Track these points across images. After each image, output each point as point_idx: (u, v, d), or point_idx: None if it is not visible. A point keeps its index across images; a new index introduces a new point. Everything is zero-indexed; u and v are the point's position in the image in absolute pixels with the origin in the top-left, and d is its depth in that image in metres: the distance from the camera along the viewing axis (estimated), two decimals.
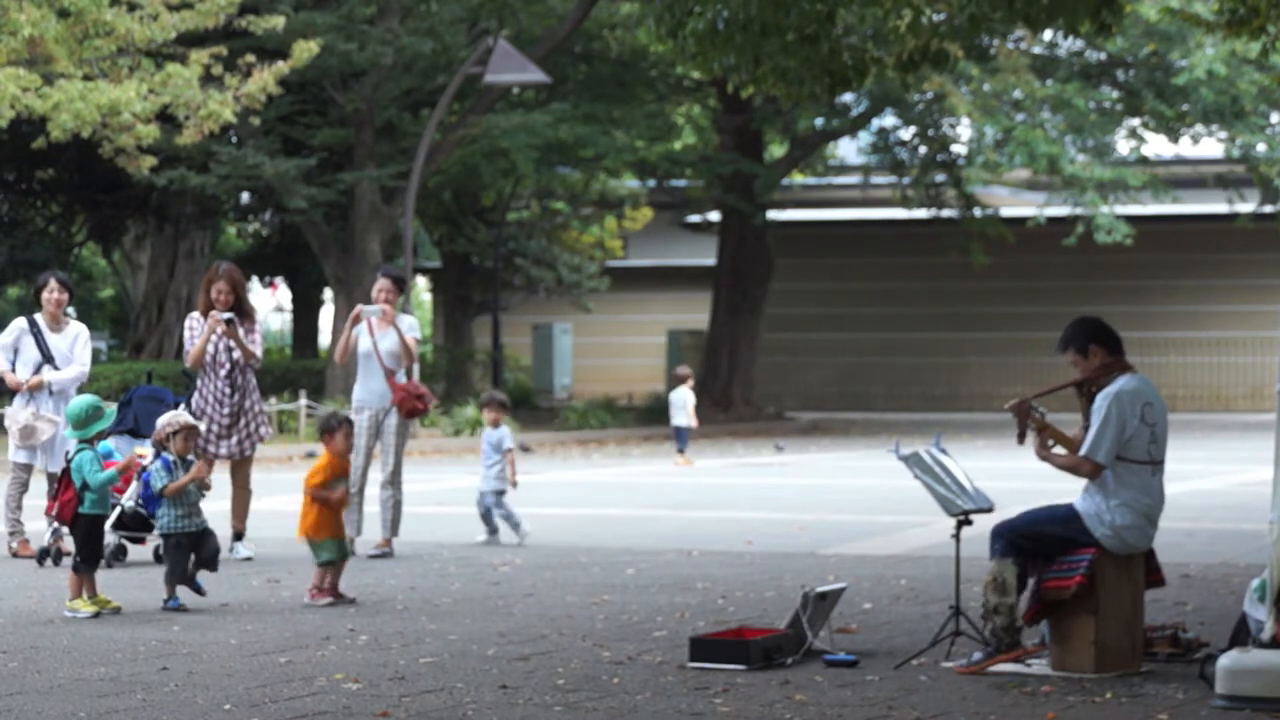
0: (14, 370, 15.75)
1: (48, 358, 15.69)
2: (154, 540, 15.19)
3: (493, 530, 16.92)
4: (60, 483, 12.38)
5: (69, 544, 13.73)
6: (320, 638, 11.05)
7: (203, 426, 15.22)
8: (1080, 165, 41.05)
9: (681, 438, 29.99)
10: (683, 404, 30.16)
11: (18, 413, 15.67)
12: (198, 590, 12.33)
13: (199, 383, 15.37)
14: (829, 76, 12.94)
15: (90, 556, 12.26)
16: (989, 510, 10.38)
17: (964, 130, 44.23)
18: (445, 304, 50.83)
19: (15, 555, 15.35)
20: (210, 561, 12.49)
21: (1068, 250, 44.65)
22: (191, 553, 12.41)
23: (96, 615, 11.92)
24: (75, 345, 15.82)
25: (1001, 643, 9.89)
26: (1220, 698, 8.94)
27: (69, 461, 12.38)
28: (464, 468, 28.78)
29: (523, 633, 11.27)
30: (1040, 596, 9.96)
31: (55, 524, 14.38)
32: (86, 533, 12.34)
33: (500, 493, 16.89)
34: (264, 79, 26.43)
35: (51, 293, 15.76)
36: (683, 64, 15.08)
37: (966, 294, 53.70)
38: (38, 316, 15.89)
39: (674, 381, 31.12)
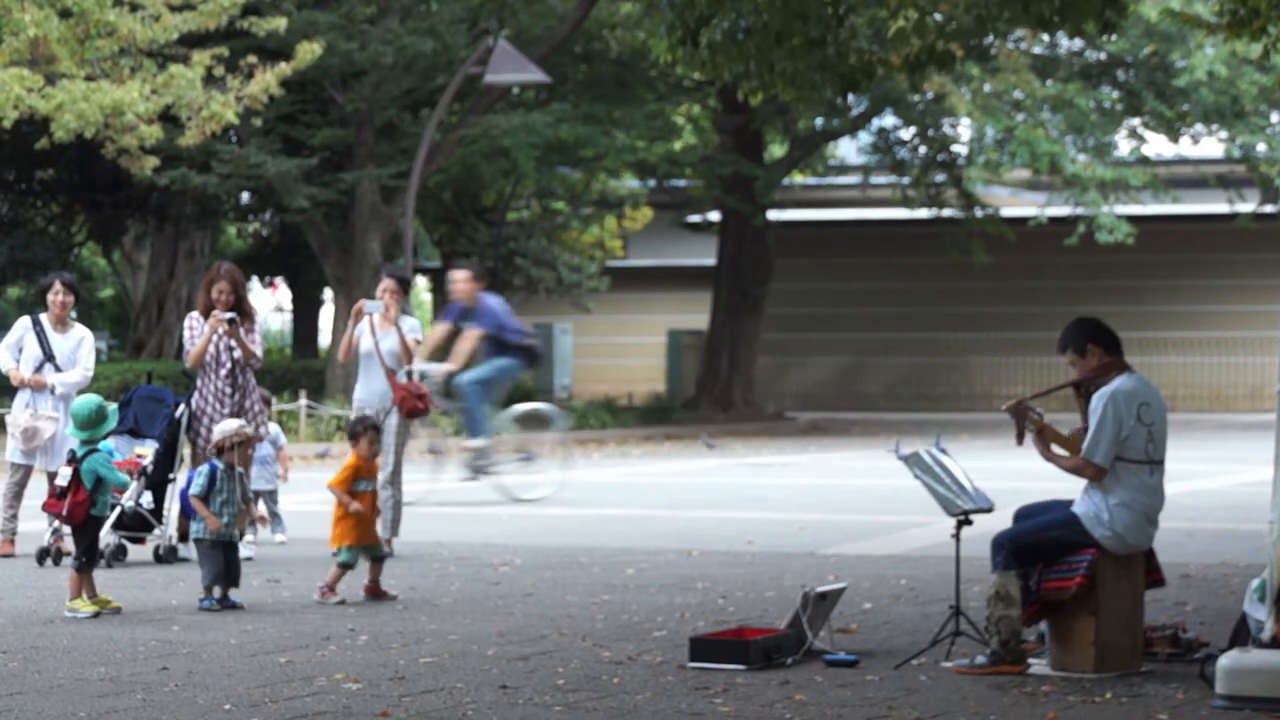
0: (12, 355, 15.79)
1: (49, 357, 15.70)
2: (154, 540, 15.22)
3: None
4: (70, 483, 12.34)
5: (69, 544, 13.74)
6: (320, 638, 11.05)
7: (202, 426, 15.24)
8: (1081, 165, 41.06)
9: None
10: None
11: (19, 415, 15.67)
12: (232, 606, 12.32)
13: (199, 382, 15.37)
14: (840, 79, 12.98)
15: (94, 557, 12.30)
16: (989, 510, 10.38)
17: (964, 130, 44.25)
18: (445, 304, 50.79)
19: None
20: (234, 578, 12.51)
21: (1068, 250, 44.66)
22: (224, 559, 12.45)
23: (96, 615, 11.93)
24: (79, 348, 15.83)
25: (1007, 655, 9.88)
26: (1220, 698, 8.95)
27: (78, 462, 12.36)
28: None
29: (523, 633, 11.27)
30: (1040, 597, 9.96)
31: (56, 523, 14.36)
32: (94, 535, 12.37)
33: (273, 491, 16.88)
34: (266, 80, 26.44)
35: (57, 294, 15.78)
36: (693, 72, 15.08)
37: (966, 294, 53.70)
38: (42, 316, 15.91)
39: None
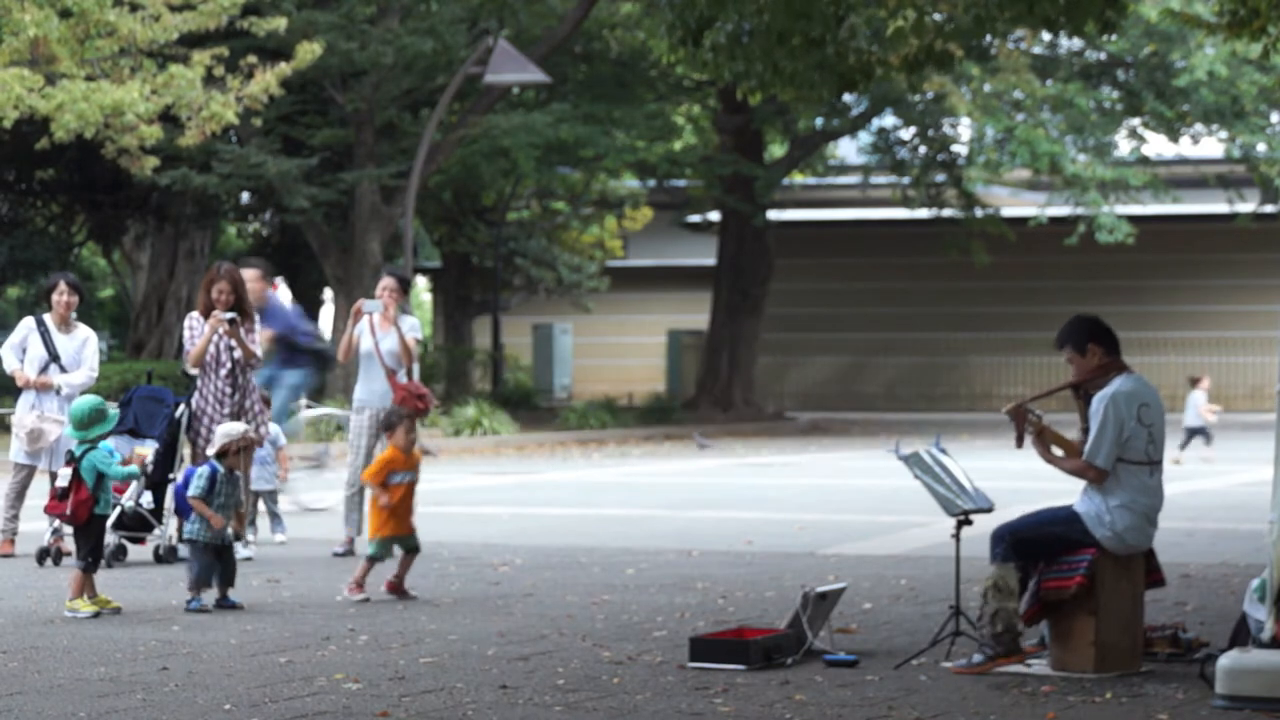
0: (15, 355, 15.76)
1: (54, 357, 15.67)
2: (154, 540, 15.21)
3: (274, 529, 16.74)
4: (71, 483, 12.33)
5: (69, 544, 13.72)
6: (320, 638, 11.05)
7: (203, 426, 15.24)
8: (1081, 165, 41.08)
9: (1201, 435, 30.14)
10: (1193, 404, 30.46)
11: (24, 416, 15.61)
12: (232, 606, 12.30)
13: (199, 382, 15.36)
14: (839, 79, 12.98)
15: (99, 558, 12.28)
16: (989, 510, 10.38)
17: (964, 130, 44.27)
18: (445, 304, 50.85)
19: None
20: (230, 578, 12.49)
21: (1068, 250, 44.68)
22: (217, 562, 12.42)
23: (96, 615, 11.92)
24: (84, 349, 15.80)
25: (1002, 647, 9.89)
26: (1220, 698, 8.95)
27: (77, 461, 12.35)
28: (464, 468, 28.79)
29: (523, 633, 11.27)
30: (1040, 597, 9.96)
31: (57, 523, 14.35)
32: (98, 535, 12.35)
33: (273, 491, 16.83)
34: (267, 80, 26.45)
35: (61, 295, 15.75)
36: (694, 72, 15.11)
37: (966, 294, 53.71)
38: (46, 316, 15.87)
39: (1190, 384, 31.46)
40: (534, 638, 11.06)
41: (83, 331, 15.91)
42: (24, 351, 15.77)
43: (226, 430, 12.86)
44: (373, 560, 12.98)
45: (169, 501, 15.20)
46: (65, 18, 25.25)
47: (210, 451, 12.97)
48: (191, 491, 12.54)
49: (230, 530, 12.63)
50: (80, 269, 50.02)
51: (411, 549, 13.10)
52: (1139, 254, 47.66)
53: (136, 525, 15.06)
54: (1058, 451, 10.15)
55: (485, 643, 10.85)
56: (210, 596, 12.36)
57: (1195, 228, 52.77)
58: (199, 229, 42.28)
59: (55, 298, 15.77)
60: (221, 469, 12.56)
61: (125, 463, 14.92)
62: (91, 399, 12.71)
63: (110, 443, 14.56)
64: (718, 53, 12.58)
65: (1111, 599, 9.88)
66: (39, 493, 16.13)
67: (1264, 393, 50.48)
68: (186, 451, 15.52)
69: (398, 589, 12.98)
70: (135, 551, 15.26)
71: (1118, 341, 10.19)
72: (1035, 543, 9.98)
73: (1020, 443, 10.19)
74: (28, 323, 15.89)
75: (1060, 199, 43.15)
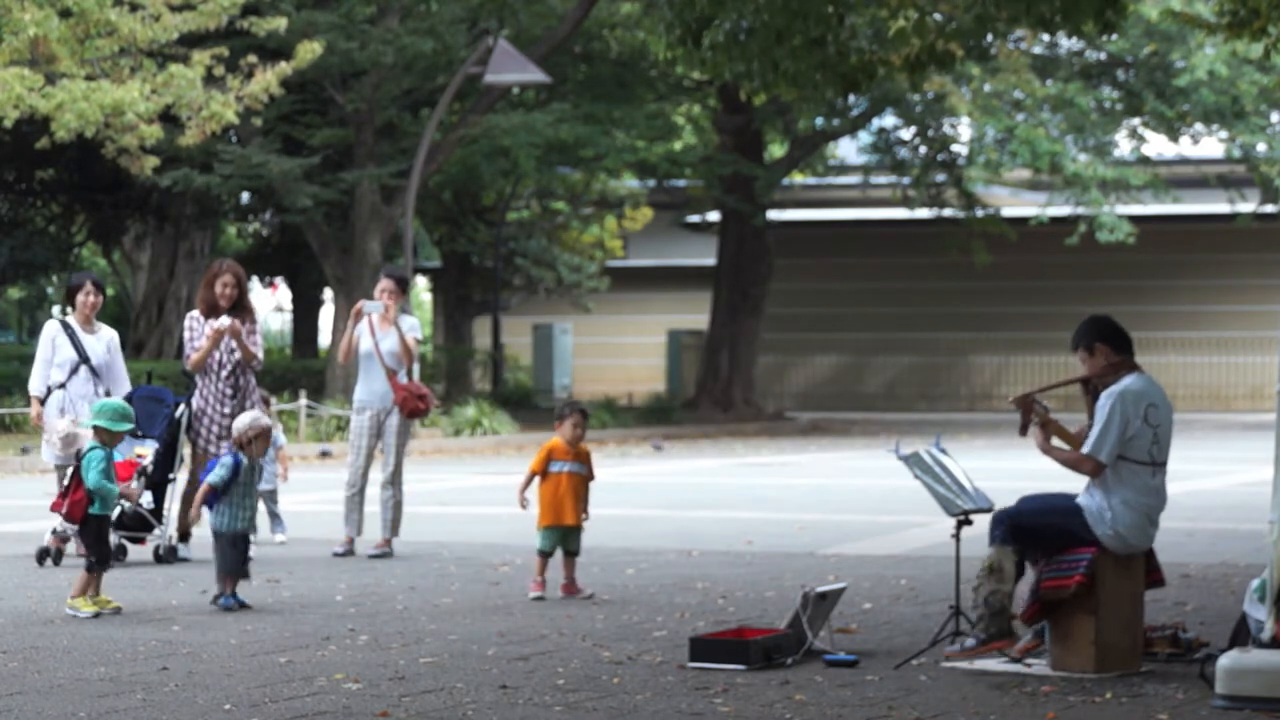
0: (47, 373, 15.63)
1: (84, 358, 15.64)
2: (154, 540, 15.21)
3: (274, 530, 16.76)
4: (71, 481, 12.35)
5: (70, 544, 13.70)
6: (320, 638, 11.05)
7: (203, 426, 15.25)
8: (1082, 164, 41.09)
9: None
10: None
11: (57, 421, 15.51)
12: (240, 604, 12.29)
13: (199, 383, 15.37)
14: (841, 79, 12.99)
15: (103, 557, 12.24)
16: (989, 510, 10.38)
17: (964, 130, 44.27)
18: (445, 304, 50.85)
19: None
20: (245, 572, 12.46)
21: (1068, 250, 44.68)
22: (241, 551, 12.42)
23: (96, 615, 11.92)
24: (111, 349, 15.78)
25: (994, 630, 9.89)
26: (1220, 698, 8.95)
27: (79, 459, 12.36)
28: (464, 468, 28.79)
29: (523, 633, 11.27)
30: (1040, 596, 9.96)
31: (62, 523, 14.34)
32: (97, 534, 12.32)
33: (273, 491, 16.84)
34: (267, 80, 26.45)
35: (88, 295, 15.72)
36: (693, 71, 15.13)
37: (966, 294, 53.71)
38: (69, 318, 15.85)
39: None
40: (534, 638, 11.07)
41: (106, 331, 15.90)
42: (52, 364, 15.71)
43: (240, 422, 12.76)
44: (541, 554, 12.98)
45: (169, 501, 15.20)
46: (65, 17, 25.26)
47: (225, 449, 12.90)
48: (211, 478, 12.45)
49: (253, 524, 12.61)
50: (80, 269, 50.04)
51: (569, 551, 13.04)
52: (1139, 254, 47.66)
53: (136, 525, 15.05)
54: (1058, 443, 10.16)
55: (485, 643, 10.85)
56: (214, 589, 12.36)
57: (1195, 228, 52.78)
58: (199, 229, 42.30)
59: (81, 298, 15.74)
60: (245, 459, 12.52)
61: (126, 463, 15.01)
62: (119, 403, 12.76)
63: None
64: (716, 52, 12.59)
65: (1111, 599, 9.89)
66: (43, 493, 16.14)
67: (1264, 393, 50.48)
68: (186, 451, 15.52)
69: (571, 589, 12.97)
70: (135, 551, 15.26)
71: (1130, 342, 10.19)
72: (1035, 530, 9.99)
73: (1025, 430, 10.21)
74: (54, 326, 15.83)
75: (1060, 199, 43.15)
